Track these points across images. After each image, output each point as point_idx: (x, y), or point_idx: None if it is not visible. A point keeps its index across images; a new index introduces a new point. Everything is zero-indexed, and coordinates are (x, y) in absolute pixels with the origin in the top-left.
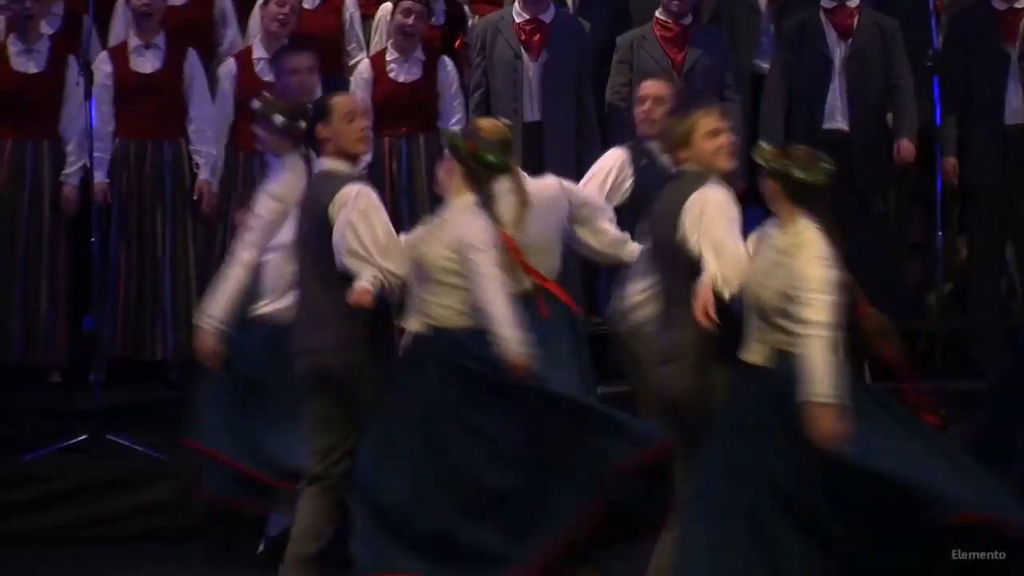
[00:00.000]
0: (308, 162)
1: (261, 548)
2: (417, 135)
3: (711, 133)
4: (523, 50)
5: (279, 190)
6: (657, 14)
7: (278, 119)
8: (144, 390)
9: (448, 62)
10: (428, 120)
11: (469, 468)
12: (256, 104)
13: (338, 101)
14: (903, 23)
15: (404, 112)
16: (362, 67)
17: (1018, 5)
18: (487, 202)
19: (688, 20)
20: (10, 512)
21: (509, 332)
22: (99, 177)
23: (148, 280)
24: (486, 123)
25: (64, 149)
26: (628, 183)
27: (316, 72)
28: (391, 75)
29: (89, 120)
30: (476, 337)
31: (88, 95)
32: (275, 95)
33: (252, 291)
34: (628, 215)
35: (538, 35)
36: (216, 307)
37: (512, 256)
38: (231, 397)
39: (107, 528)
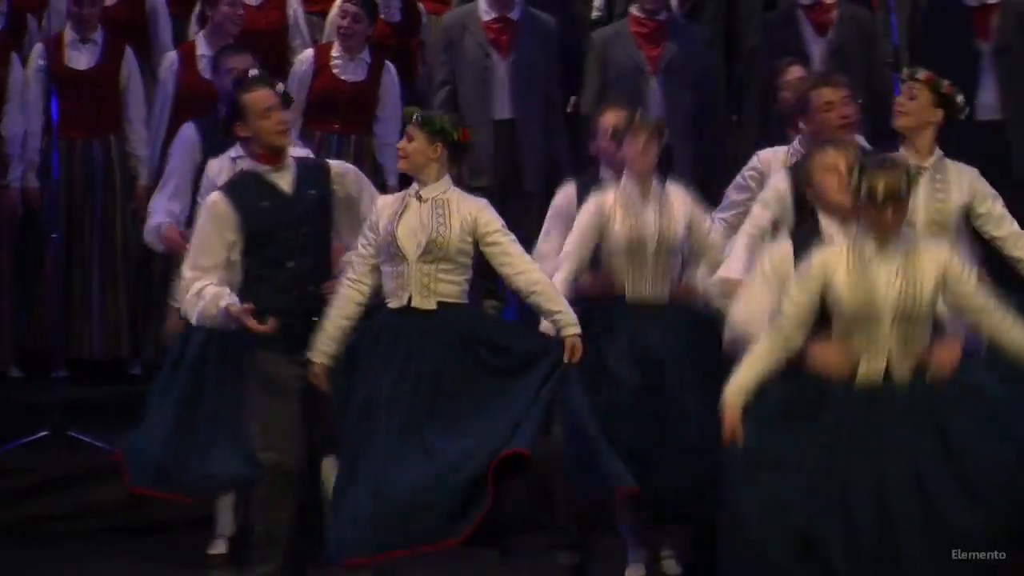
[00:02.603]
0: None
1: (217, 549)
2: (350, 135)
3: None
4: (492, 48)
5: None
6: (632, 10)
7: None
8: (106, 385)
9: (392, 68)
10: (364, 122)
11: None
12: None
13: (251, 97)
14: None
15: (341, 110)
16: (304, 55)
17: (991, 0)
18: None
19: (664, 15)
20: None
21: None
22: (32, 181)
23: (77, 279)
24: None
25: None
26: None
27: None
28: (335, 71)
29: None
30: None
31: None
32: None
33: None
34: None
35: (507, 34)
36: None
37: None
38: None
39: (69, 524)
